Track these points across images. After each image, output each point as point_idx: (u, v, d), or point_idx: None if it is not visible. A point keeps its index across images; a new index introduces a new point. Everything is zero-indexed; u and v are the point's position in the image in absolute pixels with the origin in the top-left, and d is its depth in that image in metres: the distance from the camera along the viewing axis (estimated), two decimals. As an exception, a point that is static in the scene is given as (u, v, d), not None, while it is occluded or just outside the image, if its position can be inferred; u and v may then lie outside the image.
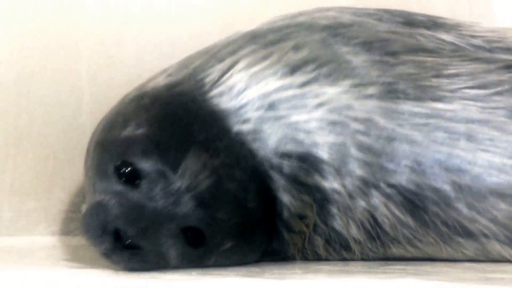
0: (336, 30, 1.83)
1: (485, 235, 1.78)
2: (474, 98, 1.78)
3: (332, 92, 1.76)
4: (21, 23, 2.30)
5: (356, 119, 1.76)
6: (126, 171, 1.74)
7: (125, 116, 1.81)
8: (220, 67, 1.82)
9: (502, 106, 1.79)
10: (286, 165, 1.78)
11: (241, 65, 1.80)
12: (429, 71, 1.79)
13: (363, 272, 1.76)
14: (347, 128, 1.76)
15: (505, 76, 1.82)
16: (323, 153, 1.77)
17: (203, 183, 1.73)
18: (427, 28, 1.90)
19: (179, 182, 1.72)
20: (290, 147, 1.78)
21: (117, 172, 1.75)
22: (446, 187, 1.76)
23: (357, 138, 1.76)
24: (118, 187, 1.74)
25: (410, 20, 1.91)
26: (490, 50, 1.88)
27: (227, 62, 1.81)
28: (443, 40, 1.86)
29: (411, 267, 1.80)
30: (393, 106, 1.77)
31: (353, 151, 1.76)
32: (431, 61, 1.81)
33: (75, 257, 1.94)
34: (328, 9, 1.92)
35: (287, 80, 1.77)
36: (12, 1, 2.29)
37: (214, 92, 1.79)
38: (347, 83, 1.77)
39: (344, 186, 1.78)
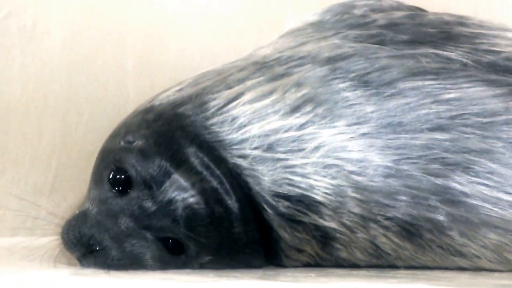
0: (336, 63, 1.80)
1: (477, 256, 1.79)
2: (475, 126, 1.73)
3: (327, 134, 1.75)
4: (71, 20, 2.40)
5: (351, 161, 1.75)
6: (120, 178, 1.80)
7: (128, 127, 1.87)
8: (226, 94, 1.83)
9: (504, 136, 1.73)
10: (281, 205, 1.80)
11: (246, 97, 1.80)
12: (427, 97, 1.75)
13: (374, 276, 1.79)
14: (342, 170, 1.75)
15: None
16: (319, 196, 1.77)
17: (186, 201, 1.77)
18: (434, 44, 1.82)
19: (162, 195, 1.77)
20: (285, 189, 1.78)
21: (112, 179, 1.81)
22: (440, 218, 1.75)
23: (352, 179, 1.76)
24: (108, 194, 1.81)
25: (416, 37, 1.84)
26: (504, 70, 1.79)
27: (234, 91, 1.82)
28: (449, 59, 1.79)
29: (420, 272, 1.82)
30: (388, 141, 1.74)
31: (349, 192, 1.76)
32: (431, 85, 1.75)
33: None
34: (336, 32, 1.90)
35: (288, 121, 1.77)
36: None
37: (216, 119, 1.82)
38: (342, 123, 1.75)
39: (342, 224, 1.79)
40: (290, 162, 1.77)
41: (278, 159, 1.78)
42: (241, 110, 1.80)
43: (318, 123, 1.76)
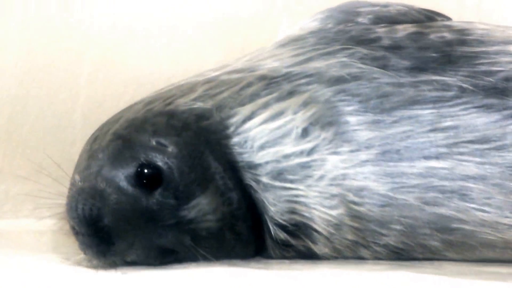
0: (343, 84, 1.81)
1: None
2: (472, 153, 1.74)
3: (333, 161, 1.77)
4: (26, 28, 2.35)
5: (352, 189, 1.77)
6: (148, 173, 1.76)
7: (155, 127, 1.83)
8: (242, 112, 1.83)
9: (501, 162, 1.73)
10: (280, 233, 1.82)
11: (260, 117, 1.82)
12: (425, 125, 1.76)
13: (356, 264, 1.80)
14: (344, 200, 1.77)
15: (510, 127, 1.74)
16: (319, 227, 1.80)
17: (206, 224, 1.78)
18: (434, 70, 1.82)
19: (185, 212, 1.76)
20: (287, 218, 1.81)
21: (139, 172, 1.76)
22: (436, 244, 1.77)
23: (352, 208, 1.77)
24: (128, 184, 1.76)
25: (417, 63, 1.83)
26: (502, 92, 1.79)
27: (248, 109, 1.82)
28: (448, 85, 1.79)
29: (405, 262, 1.81)
30: (386, 169, 1.76)
31: (347, 220, 1.78)
32: (429, 114, 1.77)
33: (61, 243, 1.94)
34: (342, 47, 1.89)
35: (299, 146, 1.79)
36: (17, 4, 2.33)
37: (237, 139, 1.82)
38: (345, 149, 1.77)
39: (334, 248, 1.82)
40: (296, 192, 1.80)
41: (286, 188, 1.80)
42: (258, 131, 1.81)
43: (325, 147, 1.78)
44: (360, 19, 1.99)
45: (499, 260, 1.78)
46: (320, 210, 1.78)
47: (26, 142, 2.29)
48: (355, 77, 1.82)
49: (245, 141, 1.81)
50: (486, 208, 1.73)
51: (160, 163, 1.76)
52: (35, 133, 2.29)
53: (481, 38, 1.88)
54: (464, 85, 1.79)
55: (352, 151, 1.76)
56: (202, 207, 1.77)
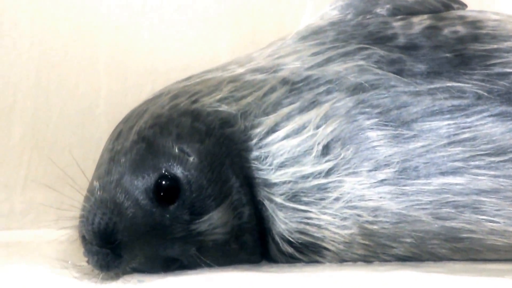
0: (362, 93, 1.81)
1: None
2: (488, 167, 1.75)
3: (350, 182, 1.78)
4: (41, 16, 2.34)
5: (367, 209, 1.78)
6: (166, 185, 1.77)
7: (179, 129, 1.83)
8: (266, 122, 1.82)
9: None
10: (287, 246, 1.84)
11: (283, 131, 1.81)
12: (443, 138, 1.76)
13: (363, 266, 1.82)
14: (358, 220, 1.78)
15: None
16: (329, 245, 1.82)
17: (215, 236, 1.79)
18: (449, 74, 1.81)
19: (196, 226, 1.77)
20: (296, 237, 1.82)
21: (159, 184, 1.77)
22: (444, 251, 1.80)
23: (365, 227, 1.79)
24: (146, 197, 1.77)
25: (432, 66, 1.83)
26: None
27: (271, 120, 1.83)
28: (463, 92, 1.79)
29: (409, 262, 1.84)
30: (403, 188, 1.76)
31: (359, 239, 1.80)
32: (447, 126, 1.77)
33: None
34: (359, 46, 1.88)
35: (318, 167, 1.79)
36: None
37: (257, 153, 1.82)
38: (364, 169, 1.77)
39: (342, 260, 1.85)
40: (309, 214, 1.80)
41: (299, 210, 1.81)
42: (279, 146, 1.81)
43: (344, 167, 1.78)
44: (378, 10, 1.97)
45: (500, 259, 1.81)
46: (331, 230, 1.80)
47: (51, 145, 2.31)
48: (373, 85, 1.81)
49: (266, 157, 1.81)
50: (496, 219, 1.76)
51: (180, 175, 1.77)
52: (59, 132, 2.31)
53: (493, 31, 1.87)
54: (480, 92, 1.78)
55: (370, 170, 1.77)
56: (213, 221, 1.78)
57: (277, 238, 1.82)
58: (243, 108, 1.84)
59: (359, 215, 1.78)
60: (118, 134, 1.89)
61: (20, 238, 1.84)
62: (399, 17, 1.93)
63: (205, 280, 1.74)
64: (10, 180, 2.28)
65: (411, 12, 1.96)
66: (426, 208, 1.76)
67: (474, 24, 1.89)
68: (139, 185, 1.77)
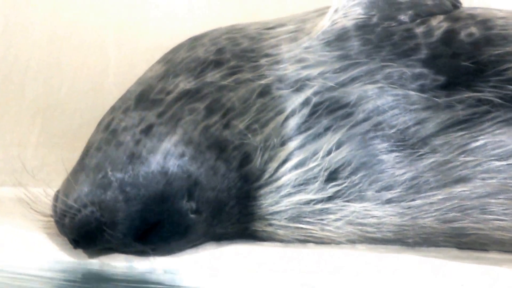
0: (379, 115, 1.79)
1: None
2: (497, 170, 1.75)
3: (354, 207, 1.79)
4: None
5: (369, 225, 1.79)
6: (149, 228, 1.73)
7: (201, 169, 1.78)
8: (280, 155, 1.81)
9: None
10: None
11: (293, 161, 1.80)
12: (457, 149, 1.77)
13: (363, 249, 1.84)
14: (359, 232, 1.81)
15: None
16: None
17: None
18: (467, 83, 1.81)
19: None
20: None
21: (148, 225, 1.73)
22: (448, 245, 1.82)
23: (366, 236, 1.81)
24: (135, 231, 1.73)
25: (451, 77, 1.82)
26: None
27: (286, 151, 1.81)
28: (479, 100, 1.79)
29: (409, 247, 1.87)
30: (410, 203, 1.78)
31: (357, 244, 1.83)
32: (460, 136, 1.78)
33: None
34: (382, 63, 1.86)
35: (322, 194, 1.79)
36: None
37: (265, 189, 1.81)
38: (371, 191, 1.78)
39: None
40: (309, 232, 1.82)
41: (299, 228, 1.82)
42: (286, 178, 1.80)
43: (349, 192, 1.78)
44: (402, 17, 1.93)
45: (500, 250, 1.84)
46: (332, 240, 1.83)
47: (63, 107, 2.36)
48: (391, 106, 1.81)
49: (271, 192, 1.80)
50: (504, 217, 1.77)
51: (171, 229, 1.74)
52: (71, 97, 2.36)
53: (503, 31, 1.89)
54: (493, 99, 1.79)
55: (378, 190, 1.78)
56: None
57: None
58: (265, 137, 1.81)
59: (360, 230, 1.80)
60: (148, 128, 1.82)
61: (30, 194, 1.89)
62: (419, 20, 1.93)
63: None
64: (23, 138, 2.34)
65: (429, 14, 1.96)
66: (432, 216, 1.78)
67: (485, 23, 1.90)
68: (138, 218, 1.73)
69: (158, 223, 1.71)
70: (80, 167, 1.81)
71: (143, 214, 1.70)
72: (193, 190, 1.75)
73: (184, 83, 1.86)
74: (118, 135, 1.81)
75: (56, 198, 1.79)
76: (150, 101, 1.85)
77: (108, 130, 1.84)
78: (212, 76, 1.87)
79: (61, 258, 1.75)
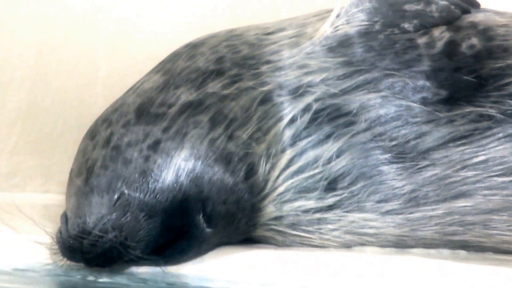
0: (380, 126, 1.79)
1: None
2: (500, 187, 1.75)
3: (353, 217, 1.78)
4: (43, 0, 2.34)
5: (368, 235, 1.79)
6: (167, 242, 1.71)
7: (210, 184, 1.75)
8: (282, 161, 1.80)
9: None
10: None
11: (294, 167, 1.78)
12: (457, 164, 1.76)
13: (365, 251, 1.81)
14: (357, 240, 1.80)
15: None
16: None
17: None
18: (468, 98, 1.80)
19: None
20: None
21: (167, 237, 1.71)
22: (446, 253, 1.80)
23: (364, 239, 1.80)
24: (154, 239, 1.69)
25: (453, 92, 1.82)
26: None
27: (286, 157, 1.79)
28: (480, 115, 1.79)
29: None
30: (409, 216, 1.78)
31: (357, 248, 1.81)
32: (461, 151, 1.77)
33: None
34: (384, 72, 1.85)
35: (322, 203, 1.79)
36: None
37: (268, 199, 1.80)
38: (370, 203, 1.78)
39: None
40: (306, 240, 1.82)
41: (297, 236, 1.82)
42: (287, 184, 1.80)
43: (348, 202, 1.79)
44: (406, 26, 1.91)
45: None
46: (330, 246, 1.81)
47: (45, 117, 2.30)
48: (393, 118, 1.79)
49: (273, 200, 1.80)
50: (508, 233, 1.77)
51: (184, 242, 1.72)
52: (55, 107, 2.30)
53: (504, 42, 1.86)
54: (494, 114, 1.78)
55: (377, 201, 1.77)
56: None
57: None
58: (267, 146, 1.80)
59: (358, 238, 1.80)
60: (155, 144, 1.78)
61: (3, 199, 1.80)
62: (422, 31, 1.90)
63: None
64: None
65: (434, 26, 1.92)
66: (432, 229, 1.77)
67: (486, 33, 1.88)
68: (157, 235, 1.69)
69: (176, 237, 1.70)
70: (89, 187, 1.75)
71: (163, 230, 1.69)
72: (207, 204, 1.73)
73: (186, 95, 1.83)
74: (123, 152, 1.76)
75: (65, 220, 1.74)
76: (152, 115, 1.81)
77: (110, 146, 1.78)
78: (214, 86, 1.84)
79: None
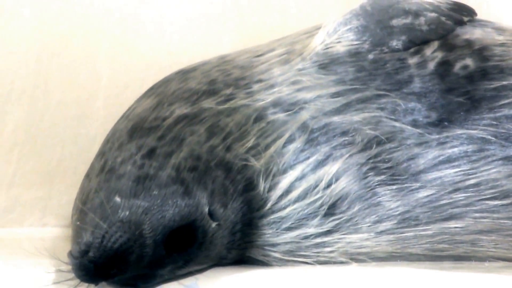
0: (375, 148, 1.80)
1: None
2: (491, 210, 1.77)
3: (350, 239, 1.79)
4: (43, 5, 2.29)
5: (361, 254, 1.80)
6: (184, 238, 1.72)
7: (214, 184, 1.77)
8: (283, 182, 1.80)
9: None
10: None
11: (295, 193, 1.80)
12: (448, 186, 1.78)
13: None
14: (351, 258, 1.81)
15: None
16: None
17: None
18: (460, 121, 1.81)
19: (183, 271, 1.75)
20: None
21: (179, 236, 1.72)
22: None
23: (357, 261, 1.81)
24: (163, 237, 1.69)
25: (444, 113, 1.82)
26: None
27: (287, 180, 1.80)
28: (472, 138, 1.79)
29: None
30: (400, 235, 1.79)
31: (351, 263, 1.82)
32: (453, 174, 1.78)
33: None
34: (376, 92, 1.85)
35: (321, 228, 1.80)
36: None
37: (268, 219, 1.80)
38: (366, 224, 1.79)
39: None
40: (303, 264, 1.82)
41: (294, 261, 1.82)
42: (289, 211, 1.80)
43: (345, 226, 1.80)
44: (394, 43, 1.89)
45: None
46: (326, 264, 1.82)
47: (44, 138, 2.25)
48: (388, 139, 1.80)
49: (273, 222, 1.80)
50: (494, 250, 1.79)
51: (199, 236, 1.72)
52: (55, 126, 2.25)
53: (501, 62, 1.85)
54: (487, 137, 1.79)
55: (372, 222, 1.79)
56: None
57: None
58: (267, 163, 1.80)
59: (352, 258, 1.81)
60: (150, 152, 1.78)
61: (2, 235, 1.78)
62: (413, 49, 1.89)
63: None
64: (-3, 176, 2.26)
65: (425, 41, 1.90)
66: (422, 247, 1.80)
67: (481, 53, 1.86)
68: (164, 223, 1.69)
69: (184, 233, 1.71)
70: (83, 213, 1.73)
71: (169, 222, 1.69)
72: (212, 200, 1.74)
73: (181, 109, 1.84)
74: (117, 170, 1.76)
75: (69, 252, 1.69)
76: (145, 129, 1.82)
77: (104, 171, 1.78)
78: (209, 102, 1.85)
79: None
